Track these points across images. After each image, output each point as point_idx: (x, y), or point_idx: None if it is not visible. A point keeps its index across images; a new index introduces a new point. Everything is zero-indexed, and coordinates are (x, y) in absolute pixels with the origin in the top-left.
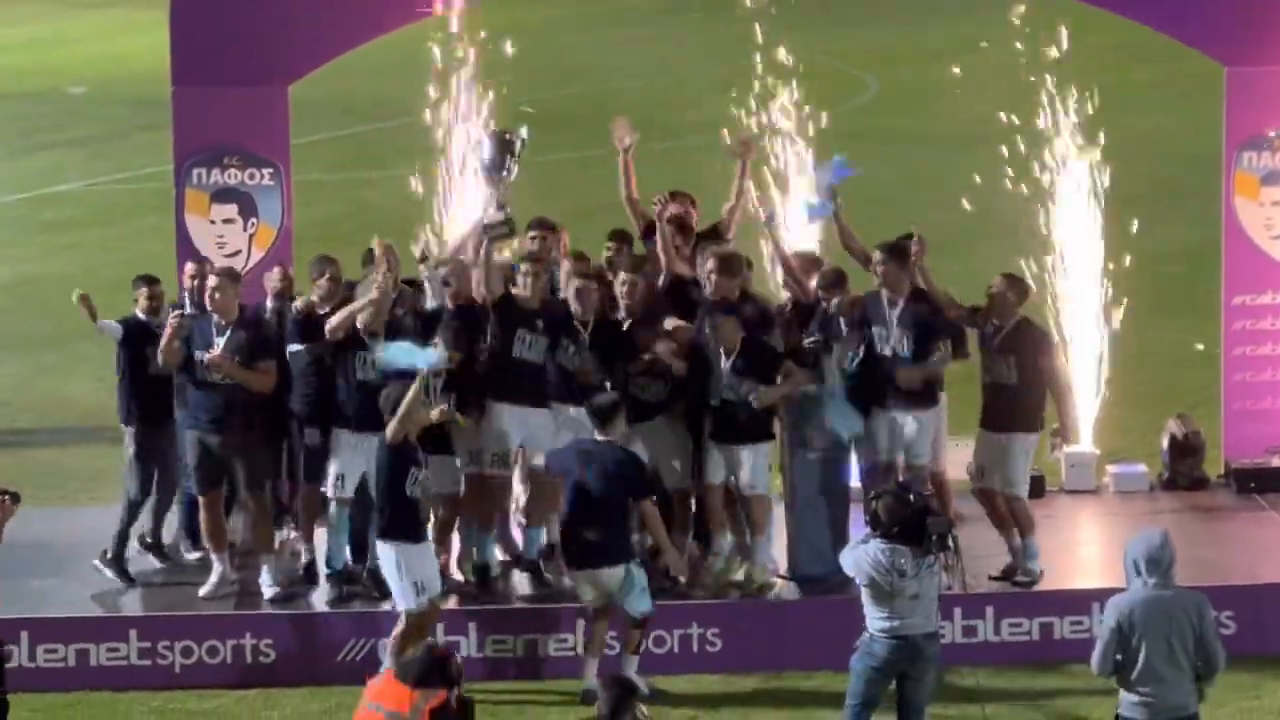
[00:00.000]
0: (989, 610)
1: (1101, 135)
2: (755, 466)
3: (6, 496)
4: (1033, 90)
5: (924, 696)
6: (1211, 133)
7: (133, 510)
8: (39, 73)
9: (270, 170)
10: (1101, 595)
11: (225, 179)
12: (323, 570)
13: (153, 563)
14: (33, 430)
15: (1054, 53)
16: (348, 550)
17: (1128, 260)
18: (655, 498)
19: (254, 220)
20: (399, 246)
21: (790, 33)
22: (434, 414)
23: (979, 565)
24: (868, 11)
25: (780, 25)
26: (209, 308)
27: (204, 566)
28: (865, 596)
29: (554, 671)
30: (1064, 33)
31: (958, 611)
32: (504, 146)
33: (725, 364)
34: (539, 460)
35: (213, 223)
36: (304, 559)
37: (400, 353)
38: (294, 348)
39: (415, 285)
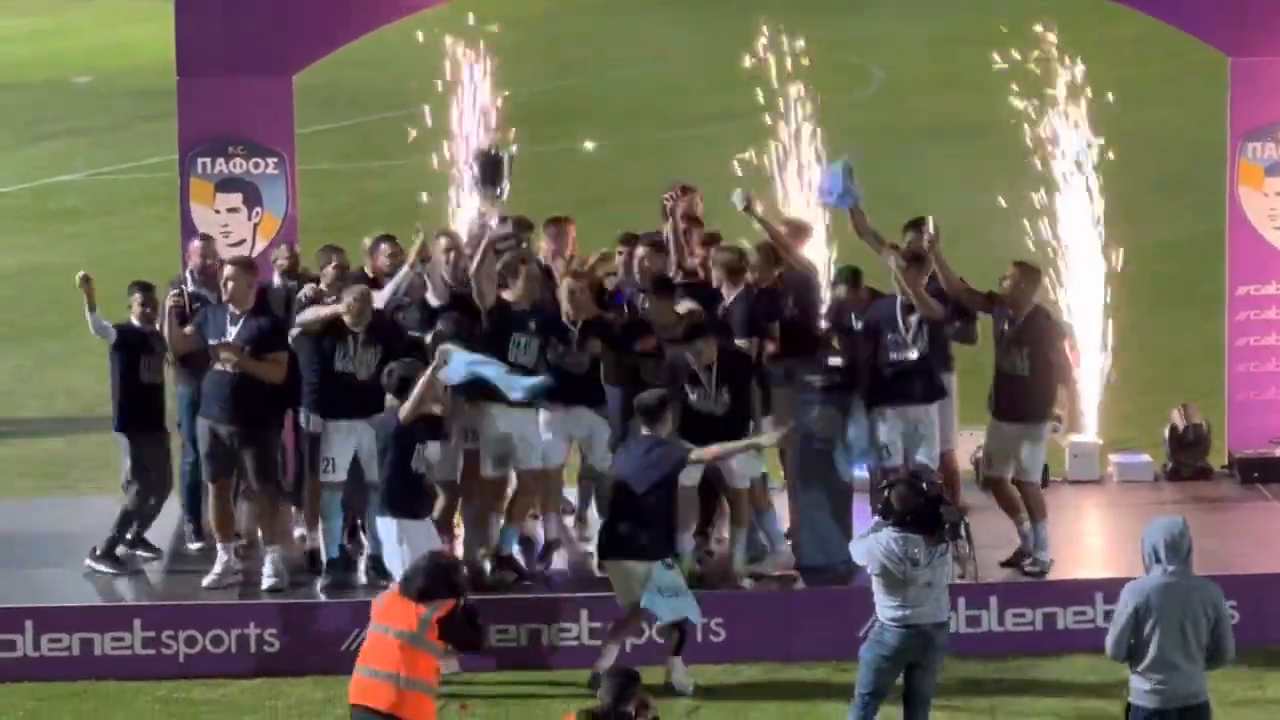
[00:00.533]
0: (993, 600)
1: (1107, 125)
2: (742, 462)
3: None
4: (1038, 81)
5: (932, 686)
6: (1216, 123)
7: (127, 519)
8: (44, 63)
9: (275, 160)
10: (1105, 585)
11: (230, 169)
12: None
13: (142, 557)
14: (37, 420)
15: (1060, 44)
16: (342, 535)
17: (1132, 251)
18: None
19: (259, 210)
20: (401, 239)
21: (793, 23)
22: (437, 409)
23: (986, 555)
24: (873, 1)
25: (782, 15)
26: (224, 298)
27: (205, 557)
28: (877, 585)
29: (558, 662)
30: (1071, 24)
31: (962, 601)
32: (494, 165)
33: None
34: (525, 462)
35: (217, 212)
36: (308, 547)
37: (488, 370)
38: (295, 332)
39: (375, 283)
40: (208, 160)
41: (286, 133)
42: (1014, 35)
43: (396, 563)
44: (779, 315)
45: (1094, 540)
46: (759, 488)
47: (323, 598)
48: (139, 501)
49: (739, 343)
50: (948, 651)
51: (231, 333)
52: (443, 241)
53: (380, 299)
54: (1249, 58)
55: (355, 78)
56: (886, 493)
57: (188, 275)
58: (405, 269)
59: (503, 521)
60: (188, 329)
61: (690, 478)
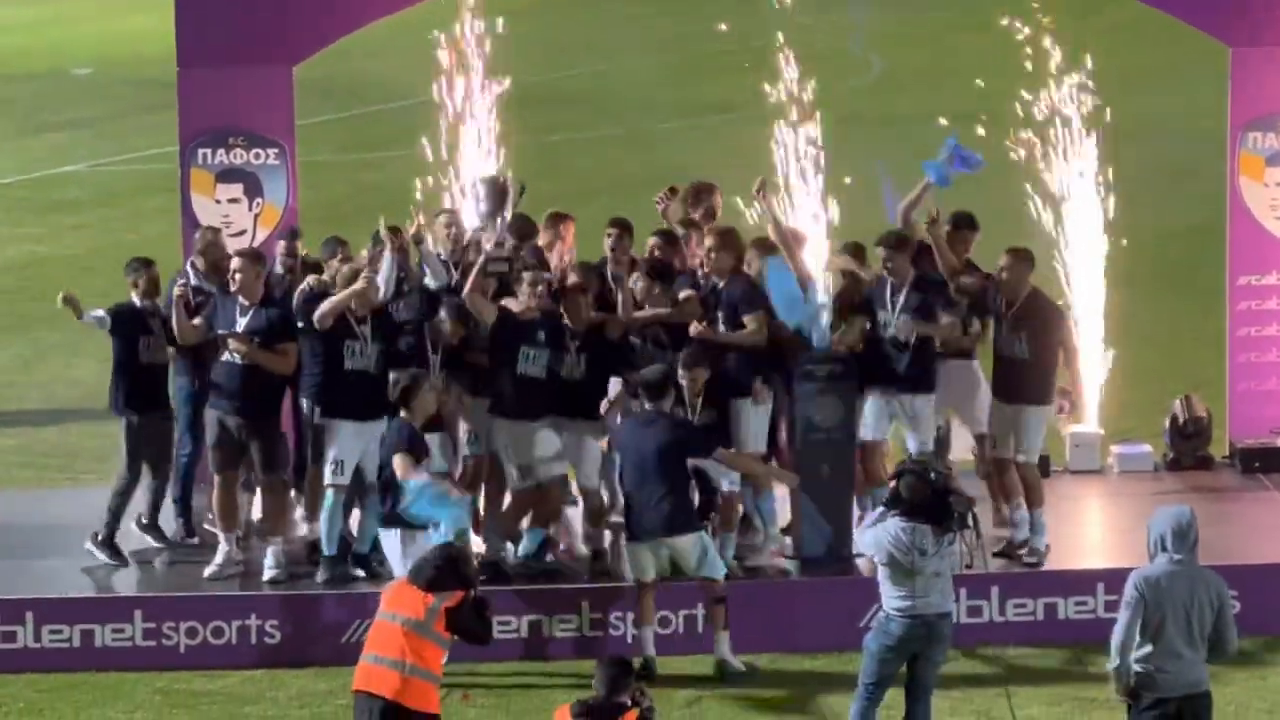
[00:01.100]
0: (994, 590)
1: (1108, 114)
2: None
3: None
4: (1039, 71)
5: (935, 676)
6: (1216, 113)
7: (123, 495)
8: (44, 54)
9: (275, 150)
10: (1107, 575)
11: (230, 159)
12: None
13: (150, 544)
14: (38, 411)
15: (1061, 32)
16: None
17: (1133, 241)
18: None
19: (259, 200)
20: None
21: (795, 11)
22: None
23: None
24: None
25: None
26: (232, 289)
27: (200, 549)
28: (883, 575)
29: (559, 653)
30: (1071, 10)
31: (963, 592)
32: (499, 193)
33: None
34: (546, 473)
35: (218, 203)
36: (310, 538)
37: (426, 504)
38: (301, 325)
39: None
40: (208, 151)
41: (287, 123)
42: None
43: (401, 573)
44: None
45: (1095, 530)
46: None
47: (323, 585)
48: (128, 474)
49: (747, 320)
50: (951, 642)
51: (241, 324)
52: (443, 219)
53: (379, 279)
54: (1249, 48)
55: (355, 68)
56: (895, 483)
57: (189, 267)
58: (388, 255)
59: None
60: (196, 320)
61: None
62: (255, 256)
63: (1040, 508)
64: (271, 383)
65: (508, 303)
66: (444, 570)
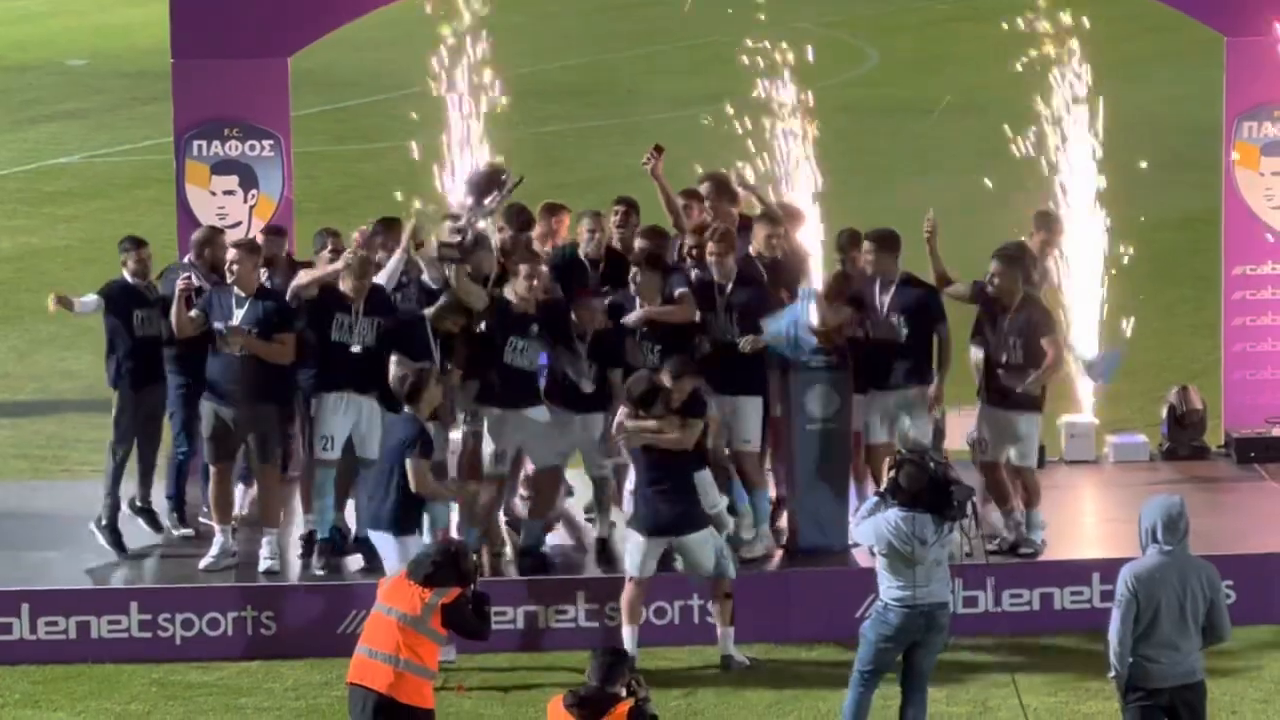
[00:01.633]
0: (989, 581)
1: (1101, 104)
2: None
3: None
4: (1034, 61)
5: (931, 665)
6: (1212, 102)
7: (118, 468)
8: (39, 45)
9: (270, 142)
10: (1102, 566)
11: (225, 151)
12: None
13: (143, 528)
14: (34, 402)
15: (1055, 23)
16: (336, 514)
17: (1129, 230)
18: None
19: (254, 192)
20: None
21: (789, 3)
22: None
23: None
24: None
25: None
26: (229, 279)
27: (195, 541)
28: (882, 566)
29: (555, 644)
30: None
31: (959, 582)
32: (493, 180)
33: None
34: (540, 461)
35: (213, 194)
36: (305, 529)
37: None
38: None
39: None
40: (203, 142)
41: (282, 115)
42: (1010, 13)
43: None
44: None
45: (1090, 520)
46: (753, 464)
47: (325, 580)
48: (124, 453)
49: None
50: (948, 632)
51: (238, 315)
52: (447, 224)
53: (382, 278)
54: (1245, 38)
55: (350, 59)
56: (894, 473)
57: (187, 263)
58: (399, 253)
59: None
60: (193, 312)
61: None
62: (252, 247)
63: (1037, 506)
64: (266, 374)
65: (507, 293)
66: (442, 566)
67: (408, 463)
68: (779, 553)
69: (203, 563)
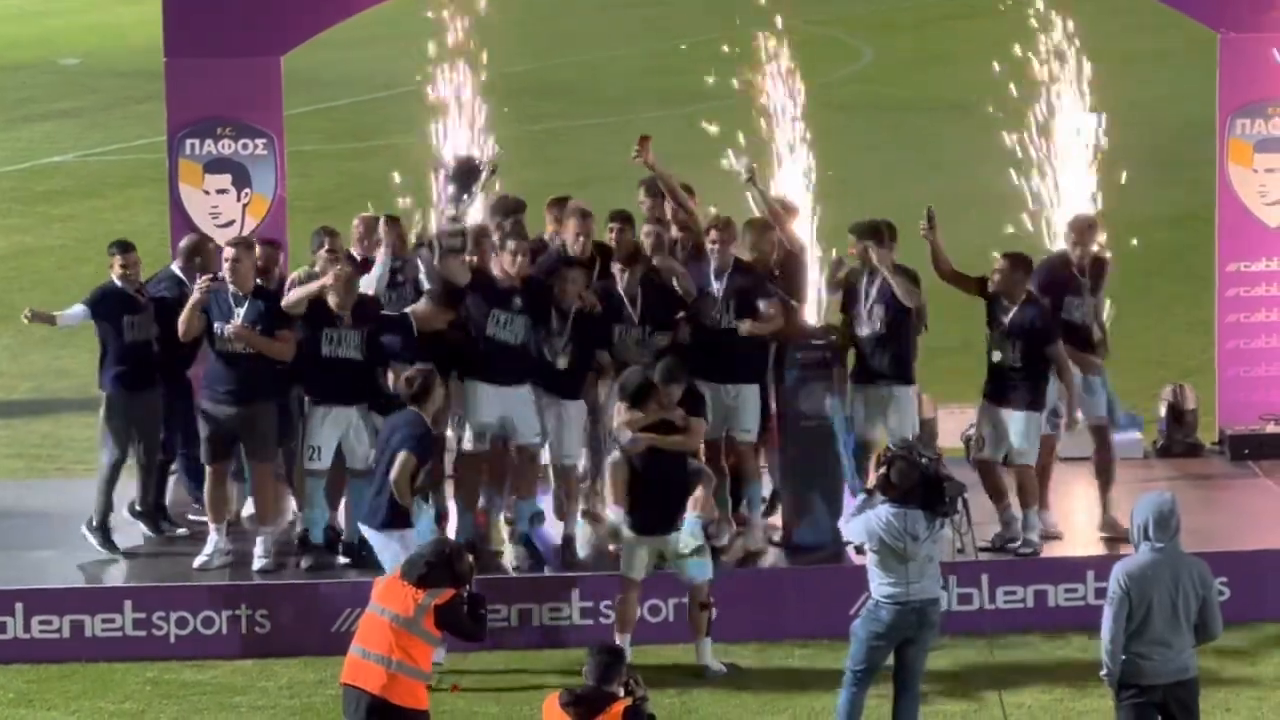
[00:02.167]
0: (984, 578)
1: (1088, 98)
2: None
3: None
4: (1028, 58)
5: (924, 662)
6: (1206, 99)
7: (112, 477)
8: (32, 44)
9: (264, 141)
10: (1097, 562)
11: (219, 150)
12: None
13: (143, 531)
14: (29, 401)
15: (1050, 20)
16: (327, 520)
17: (1123, 227)
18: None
19: (247, 191)
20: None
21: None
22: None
23: (977, 532)
24: None
25: None
26: (228, 279)
27: (189, 540)
28: (873, 563)
29: (549, 641)
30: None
31: (953, 580)
32: (468, 175)
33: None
34: (522, 438)
35: (206, 193)
36: (299, 529)
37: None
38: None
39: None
40: (196, 141)
41: (275, 113)
42: (1004, 11)
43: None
44: (767, 294)
45: (1085, 517)
46: (749, 455)
47: (312, 574)
48: (119, 459)
49: (742, 326)
50: (940, 629)
51: (238, 314)
52: (446, 215)
53: (367, 283)
54: (1238, 34)
55: (344, 58)
56: (885, 469)
57: (177, 268)
58: (383, 253)
59: (511, 498)
60: (196, 313)
61: None
62: (249, 245)
63: (1033, 506)
64: (263, 373)
65: (491, 268)
66: (436, 567)
67: (399, 454)
68: (771, 550)
69: (197, 561)
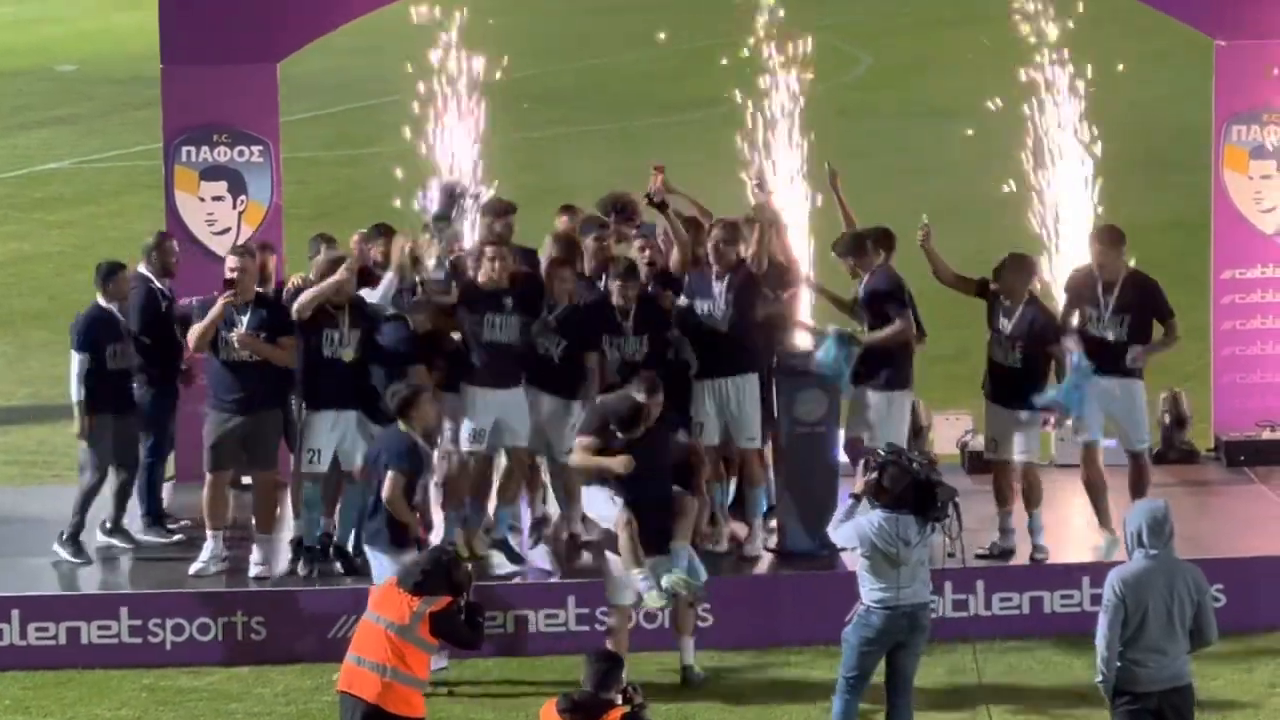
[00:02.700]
0: (979, 584)
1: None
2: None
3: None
4: (1025, 66)
5: (915, 666)
6: (1201, 105)
7: (89, 495)
8: (29, 51)
9: (260, 148)
10: (1092, 569)
11: (215, 156)
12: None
13: (118, 546)
14: (26, 408)
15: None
16: (323, 524)
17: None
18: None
19: (243, 198)
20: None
21: (784, 6)
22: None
23: (971, 539)
24: None
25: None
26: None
27: (185, 546)
28: (864, 568)
29: (545, 648)
30: (1056, 8)
31: (948, 586)
32: (450, 200)
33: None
34: (512, 440)
35: (202, 200)
36: (293, 535)
37: None
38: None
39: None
40: (192, 148)
41: (271, 120)
42: (1001, 18)
43: None
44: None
45: (1080, 524)
46: (755, 461)
47: (308, 581)
48: (99, 480)
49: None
50: (933, 635)
51: (242, 322)
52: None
53: (376, 296)
54: (1234, 41)
55: (341, 64)
56: (876, 474)
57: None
58: (390, 275)
59: (494, 504)
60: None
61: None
62: (251, 253)
63: (1038, 509)
64: (268, 380)
65: (476, 276)
66: (431, 575)
67: (387, 473)
68: (767, 556)
69: (193, 567)
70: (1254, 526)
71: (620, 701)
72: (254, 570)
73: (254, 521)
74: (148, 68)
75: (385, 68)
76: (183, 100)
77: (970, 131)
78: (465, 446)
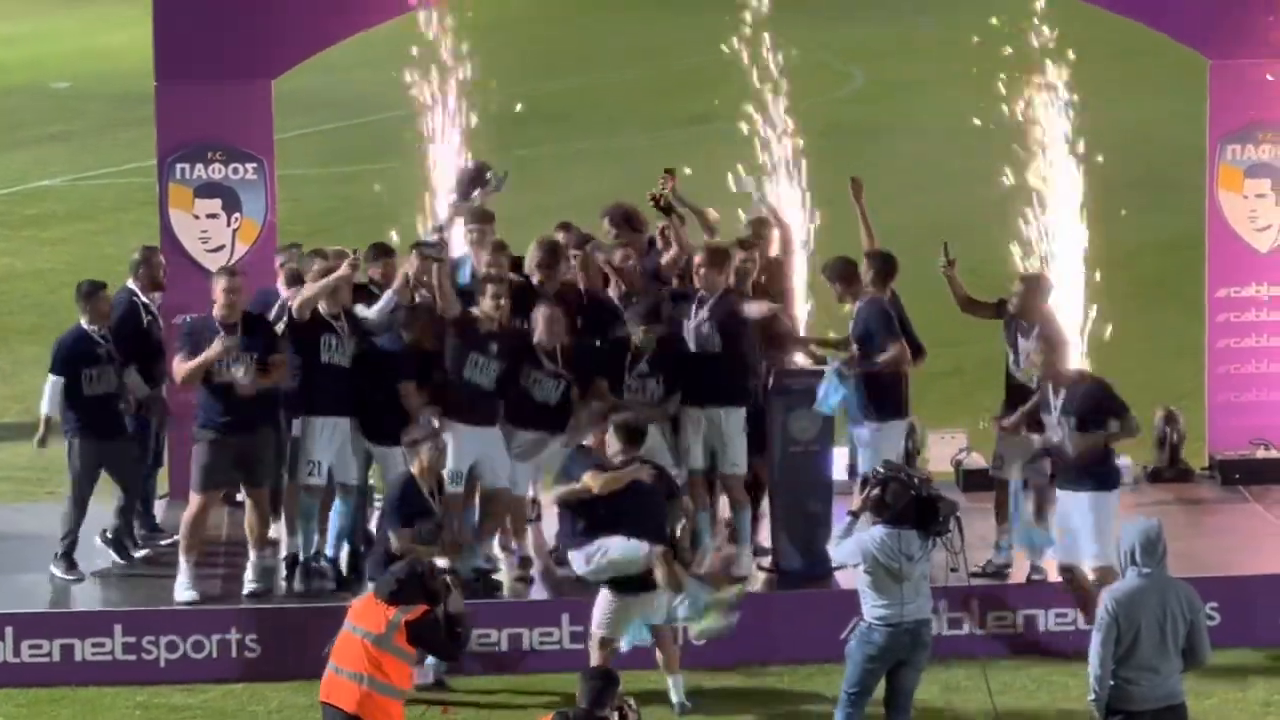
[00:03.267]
0: (974, 603)
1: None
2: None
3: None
4: (1018, 83)
5: (916, 683)
6: (1195, 125)
7: (78, 514)
8: (22, 68)
9: (254, 165)
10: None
11: (209, 174)
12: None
13: (112, 557)
14: (18, 425)
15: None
16: (317, 538)
17: (1113, 251)
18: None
19: (238, 215)
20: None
21: (777, 25)
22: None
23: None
24: (855, 5)
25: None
26: (221, 312)
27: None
28: (866, 585)
29: (539, 666)
30: (1049, 26)
31: (943, 604)
32: (477, 178)
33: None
34: (492, 481)
35: (196, 218)
36: (286, 552)
37: None
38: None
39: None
40: (186, 166)
41: (266, 138)
42: (994, 35)
43: None
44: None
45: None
46: (739, 484)
47: (303, 597)
48: (83, 500)
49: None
50: (931, 652)
51: (238, 362)
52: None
53: (374, 312)
54: (1228, 60)
55: (335, 82)
56: (878, 490)
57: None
58: (390, 293)
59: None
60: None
61: None
62: (239, 274)
63: (1047, 522)
64: (261, 398)
65: (473, 309)
66: (407, 584)
67: (389, 535)
68: (760, 575)
69: (181, 596)
70: (1249, 545)
71: (615, 718)
72: (248, 587)
73: (248, 538)
74: (142, 85)
75: (380, 85)
76: (177, 117)
77: (961, 149)
78: (447, 488)
